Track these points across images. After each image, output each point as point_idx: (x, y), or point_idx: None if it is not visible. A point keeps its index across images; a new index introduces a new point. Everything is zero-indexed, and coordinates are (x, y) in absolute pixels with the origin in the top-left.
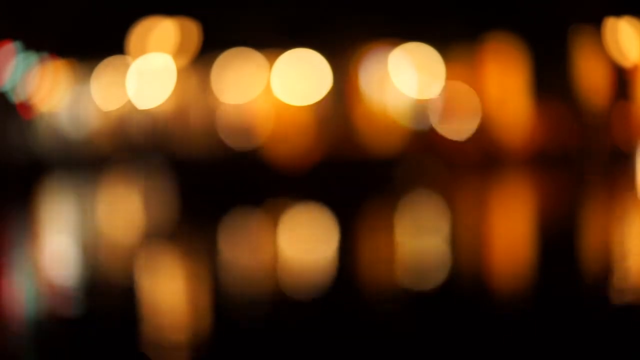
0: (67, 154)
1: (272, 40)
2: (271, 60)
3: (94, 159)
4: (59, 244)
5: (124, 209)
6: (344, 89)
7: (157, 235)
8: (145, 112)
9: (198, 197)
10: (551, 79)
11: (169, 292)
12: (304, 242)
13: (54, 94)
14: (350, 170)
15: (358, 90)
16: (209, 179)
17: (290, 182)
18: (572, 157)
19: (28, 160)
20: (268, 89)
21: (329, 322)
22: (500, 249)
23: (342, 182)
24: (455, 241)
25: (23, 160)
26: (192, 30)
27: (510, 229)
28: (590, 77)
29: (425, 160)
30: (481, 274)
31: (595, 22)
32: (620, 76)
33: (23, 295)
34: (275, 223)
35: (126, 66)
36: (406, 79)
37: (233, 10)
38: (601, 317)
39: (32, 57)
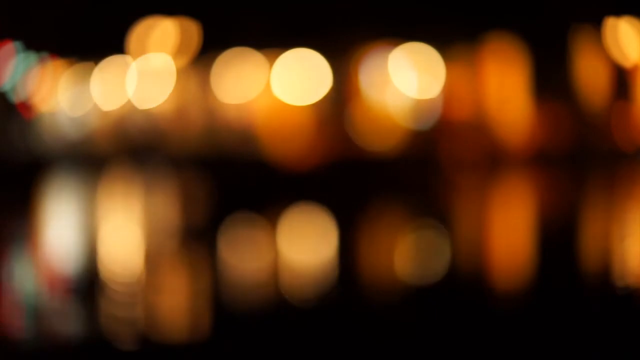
0: (67, 154)
1: (272, 40)
2: (271, 60)
3: (94, 159)
4: (58, 244)
5: (124, 209)
6: (344, 89)
7: (158, 235)
8: (145, 112)
9: (198, 198)
10: (551, 79)
11: (169, 293)
12: (303, 243)
13: (54, 94)
14: (350, 171)
15: (358, 90)
16: (209, 180)
17: (289, 182)
18: (572, 157)
19: (28, 160)
20: (268, 89)
21: (331, 325)
22: (500, 248)
23: (342, 182)
24: (455, 241)
25: (23, 160)
26: (192, 30)
27: (511, 228)
28: (590, 77)
29: (425, 161)
30: (482, 273)
31: (595, 22)
32: (620, 76)
33: (23, 296)
34: (275, 224)
35: (126, 66)
36: (406, 79)
37: (233, 10)
38: (601, 316)
39: (32, 57)
